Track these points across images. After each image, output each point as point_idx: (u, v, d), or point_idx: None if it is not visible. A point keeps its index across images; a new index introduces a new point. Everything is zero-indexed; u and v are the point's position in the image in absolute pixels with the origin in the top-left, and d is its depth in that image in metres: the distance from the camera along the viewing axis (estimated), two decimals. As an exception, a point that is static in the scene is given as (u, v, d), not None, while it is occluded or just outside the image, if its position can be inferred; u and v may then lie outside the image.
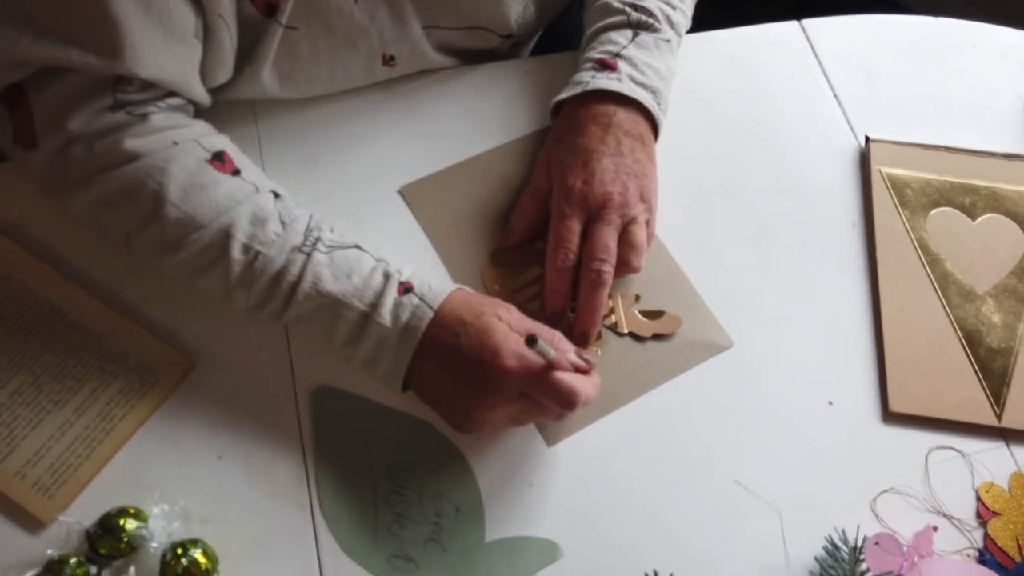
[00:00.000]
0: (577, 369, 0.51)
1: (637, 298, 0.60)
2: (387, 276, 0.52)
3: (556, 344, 0.51)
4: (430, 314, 0.51)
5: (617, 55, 0.61)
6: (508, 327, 0.51)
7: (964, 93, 0.71)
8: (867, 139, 0.67)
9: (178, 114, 0.55)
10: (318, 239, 0.53)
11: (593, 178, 0.57)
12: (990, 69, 0.72)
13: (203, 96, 0.57)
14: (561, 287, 0.56)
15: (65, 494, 0.50)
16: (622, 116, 0.59)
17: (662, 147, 0.62)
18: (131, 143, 0.52)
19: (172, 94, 0.55)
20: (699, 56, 0.70)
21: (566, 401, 0.49)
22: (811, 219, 0.64)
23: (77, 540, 0.49)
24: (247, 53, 0.57)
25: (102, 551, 0.48)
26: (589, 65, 0.62)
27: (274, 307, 0.52)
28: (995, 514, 0.54)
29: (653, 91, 0.61)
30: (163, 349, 0.55)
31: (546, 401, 0.50)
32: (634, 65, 0.61)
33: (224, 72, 0.57)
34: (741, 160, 0.66)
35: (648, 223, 0.59)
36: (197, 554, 0.48)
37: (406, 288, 0.52)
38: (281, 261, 0.51)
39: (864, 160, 0.67)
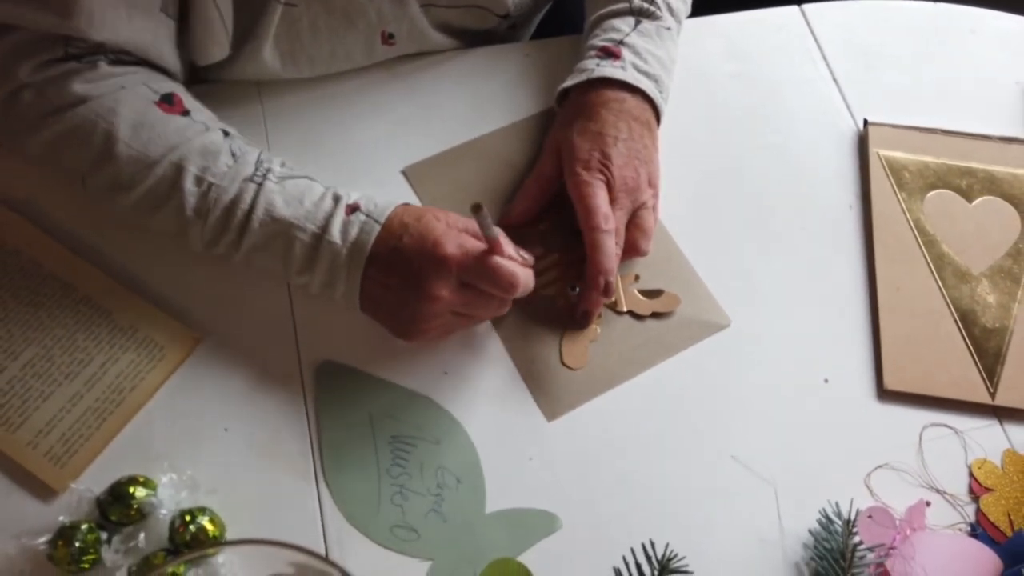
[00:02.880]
0: (521, 258, 0.53)
1: (636, 277, 0.61)
2: (336, 199, 0.54)
3: (501, 241, 0.52)
4: (377, 228, 0.52)
5: (620, 43, 0.62)
6: (447, 225, 0.52)
7: (962, 78, 0.71)
8: (865, 122, 0.68)
9: (127, 64, 0.56)
10: (268, 170, 0.54)
11: (608, 160, 0.57)
12: (988, 54, 0.73)
13: (174, 66, 0.58)
14: (611, 247, 0.55)
15: (76, 463, 0.51)
16: (631, 103, 0.60)
17: (663, 129, 0.63)
18: (80, 87, 0.52)
19: (125, 52, 0.55)
20: (700, 40, 0.71)
21: (506, 284, 0.51)
22: (809, 201, 0.65)
23: (88, 507, 0.50)
24: (247, 31, 0.58)
25: (112, 518, 0.49)
26: (593, 53, 0.62)
27: (229, 238, 0.53)
28: (987, 490, 0.55)
29: (655, 79, 0.61)
30: (171, 324, 0.56)
31: (487, 287, 0.52)
32: (637, 53, 0.62)
33: (219, 50, 0.57)
34: (740, 142, 0.67)
35: (654, 207, 0.60)
36: (205, 521, 0.49)
37: (354, 208, 0.53)
38: (234, 191, 0.52)
39: (862, 143, 0.67)
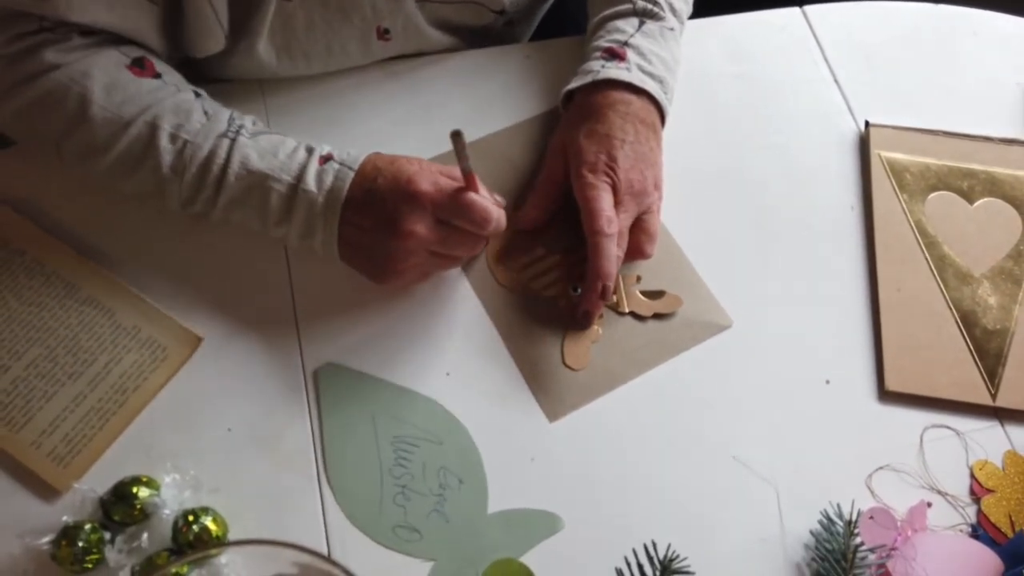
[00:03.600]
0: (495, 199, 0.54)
1: (638, 278, 0.61)
2: (310, 151, 0.55)
3: (472, 188, 0.53)
4: (351, 174, 0.53)
5: (625, 44, 0.62)
6: (420, 166, 0.54)
7: (964, 79, 0.71)
8: (867, 124, 0.68)
9: (99, 34, 0.56)
10: (241, 126, 0.55)
11: (615, 163, 0.57)
12: (990, 56, 0.73)
13: (160, 51, 0.58)
14: (612, 252, 0.56)
15: (80, 463, 0.51)
16: (637, 105, 0.60)
17: (664, 129, 0.63)
18: (51, 55, 0.53)
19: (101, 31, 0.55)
20: (701, 41, 0.71)
21: (480, 219, 0.52)
22: (810, 202, 0.65)
23: (91, 507, 0.50)
24: (242, 25, 0.58)
25: (116, 518, 0.49)
26: (598, 54, 0.62)
27: (206, 194, 0.54)
28: (988, 491, 0.55)
29: (660, 80, 0.62)
30: (174, 324, 0.56)
31: (461, 223, 0.53)
32: (642, 54, 0.62)
33: (214, 42, 0.58)
34: (742, 143, 0.67)
35: (658, 210, 0.60)
36: (208, 521, 0.49)
37: (327, 158, 0.54)
38: (208, 147, 0.53)
39: (864, 144, 0.67)
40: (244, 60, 0.60)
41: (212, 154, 0.53)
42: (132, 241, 0.59)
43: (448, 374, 0.57)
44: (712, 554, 0.52)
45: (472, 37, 0.70)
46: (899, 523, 0.52)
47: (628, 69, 0.60)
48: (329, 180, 0.53)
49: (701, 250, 0.62)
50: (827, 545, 0.51)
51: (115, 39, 0.56)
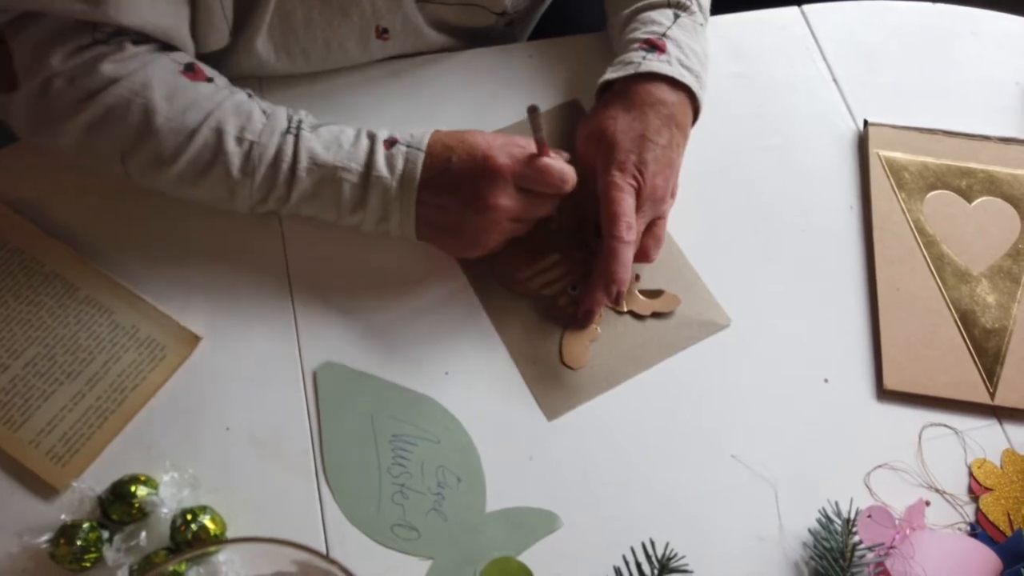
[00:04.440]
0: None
1: (637, 277, 0.61)
2: (372, 137, 0.56)
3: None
4: (421, 155, 0.55)
5: (663, 35, 0.62)
6: (488, 139, 0.55)
7: (963, 79, 0.72)
8: (865, 123, 0.68)
9: (148, 43, 0.56)
10: (300, 121, 0.55)
11: (644, 166, 0.57)
12: (989, 55, 0.73)
13: (191, 50, 0.58)
14: (629, 258, 0.56)
15: (78, 462, 0.51)
16: (677, 107, 0.59)
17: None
18: (109, 68, 0.53)
19: (146, 35, 0.55)
20: (700, 41, 0.71)
21: (558, 181, 0.55)
22: (809, 201, 0.65)
23: (90, 506, 0.50)
24: (242, 20, 0.58)
25: (114, 516, 0.49)
26: (637, 45, 0.61)
27: (278, 193, 0.55)
28: (987, 490, 0.55)
29: (697, 75, 0.61)
30: (172, 323, 0.56)
31: (541, 187, 0.55)
32: (680, 47, 0.61)
33: (217, 38, 0.58)
34: (741, 142, 0.67)
35: (667, 216, 0.61)
36: (206, 520, 0.49)
37: (392, 142, 0.56)
38: (274, 145, 0.54)
39: (862, 143, 0.67)
40: (242, 57, 0.60)
41: (280, 152, 0.54)
42: (131, 241, 0.59)
43: (447, 373, 0.57)
44: (710, 553, 0.52)
45: (471, 38, 0.70)
46: (897, 522, 0.52)
47: (669, 63, 0.60)
48: (400, 164, 0.54)
49: (700, 249, 0.62)
50: (825, 544, 0.51)
51: (163, 47, 0.56)
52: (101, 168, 0.57)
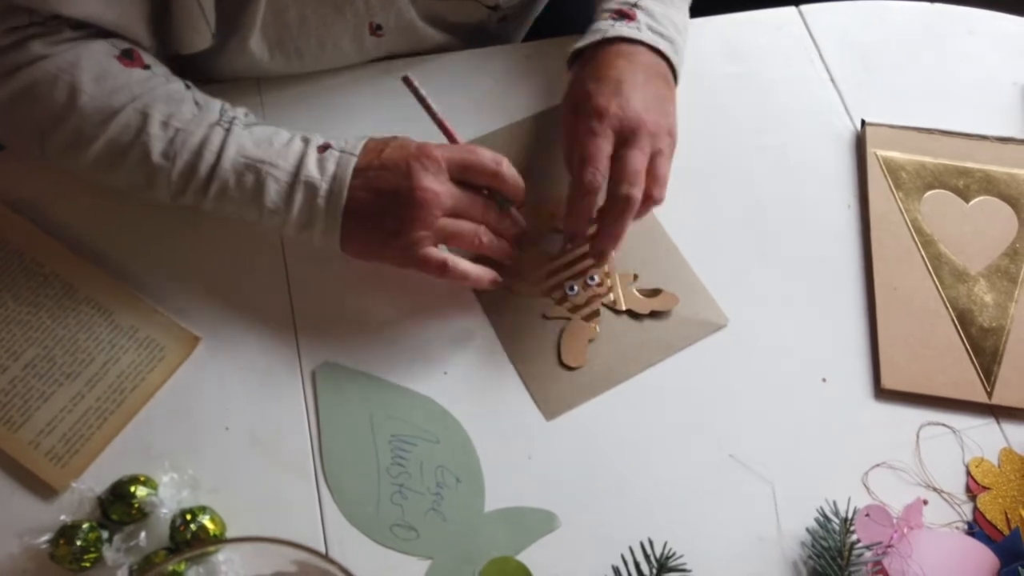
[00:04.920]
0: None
1: (635, 277, 0.61)
2: (306, 140, 0.54)
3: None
4: (353, 160, 0.53)
5: (635, 5, 0.62)
6: (420, 142, 0.54)
7: (960, 78, 0.72)
8: (863, 122, 0.68)
9: (89, 27, 0.55)
10: (234, 118, 0.54)
11: (627, 103, 0.56)
12: (986, 55, 0.73)
13: (148, 45, 0.57)
14: (586, 209, 0.55)
15: (77, 463, 0.52)
16: (647, 56, 0.60)
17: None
18: (39, 46, 0.52)
19: (90, 25, 0.54)
20: (697, 41, 0.71)
21: (493, 161, 0.54)
22: (807, 201, 0.65)
23: (89, 507, 0.50)
24: (234, 20, 0.58)
25: (114, 517, 0.49)
26: (607, 15, 0.62)
27: (198, 183, 0.53)
28: (984, 488, 0.55)
29: (671, 40, 0.61)
30: (171, 324, 0.56)
31: (478, 167, 0.53)
32: (651, 15, 0.62)
33: (201, 39, 0.57)
34: (739, 143, 0.67)
35: (670, 157, 0.58)
36: (205, 520, 0.49)
37: (325, 147, 0.54)
38: (201, 135, 0.52)
39: (860, 143, 0.68)
40: (236, 57, 0.60)
41: (205, 141, 0.52)
42: (130, 242, 0.59)
43: (445, 373, 0.57)
44: (709, 552, 0.52)
45: (466, 35, 0.70)
46: (895, 520, 0.52)
47: (638, 28, 0.60)
48: (331, 167, 0.52)
49: (698, 249, 0.62)
50: (823, 543, 0.51)
51: (104, 32, 0.55)
52: (18, 146, 0.56)
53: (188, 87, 0.55)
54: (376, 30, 0.64)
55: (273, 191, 0.52)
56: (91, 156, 0.53)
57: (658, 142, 0.57)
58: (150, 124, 0.52)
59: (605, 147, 0.55)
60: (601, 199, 0.56)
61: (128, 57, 0.54)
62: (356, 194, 0.52)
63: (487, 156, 0.54)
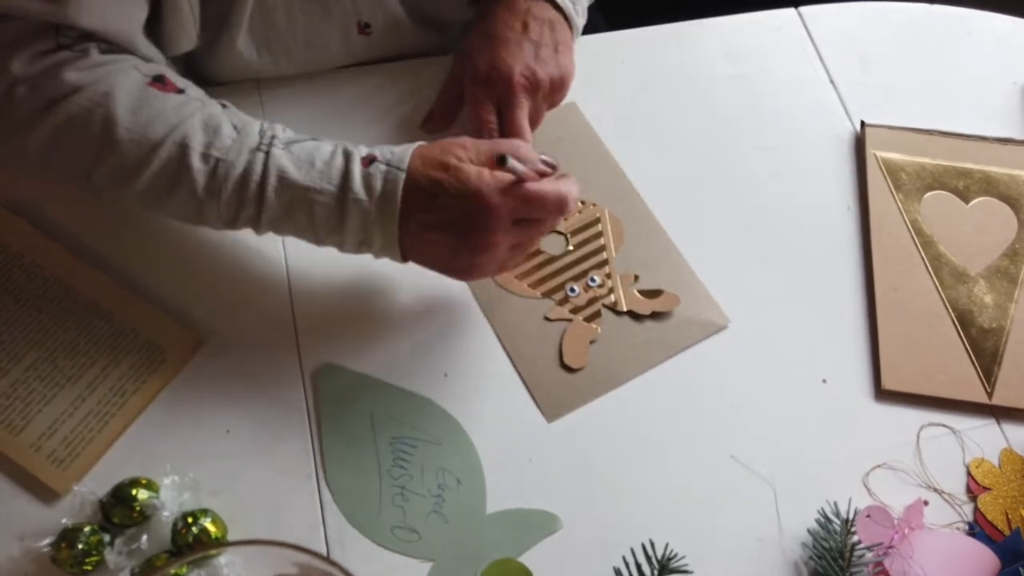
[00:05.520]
0: (550, 168, 0.53)
1: (636, 278, 0.61)
2: (348, 155, 0.52)
3: (520, 154, 0.52)
4: (401, 175, 0.50)
5: None
6: (474, 165, 0.51)
7: (959, 79, 0.72)
8: (862, 124, 0.68)
9: (116, 52, 0.53)
10: (273, 137, 0.52)
11: (499, 61, 0.59)
12: (985, 56, 0.73)
13: (149, 54, 0.56)
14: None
15: (79, 466, 0.52)
16: (532, 4, 0.62)
17: (661, 132, 0.64)
18: (72, 75, 0.51)
19: (111, 41, 0.53)
20: (697, 42, 0.71)
21: (558, 206, 0.51)
22: (807, 202, 0.65)
23: (91, 510, 0.50)
24: (221, 19, 0.58)
25: (115, 520, 0.49)
26: None
27: (248, 213, 0.51)
28: (985, 489, 0.55)
29: None
30: (172, 326, 0.56)
31: (540, 214, 0.52)
32: None
33: (187, 40, 0.57)
34: (738, 144, 0.67)
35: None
36: (207, 523, 0.49)
37: (370, 159, 0.51)
38: (242, 163, 0.50)
39: (859, 144, 0.68)
40: (224, 57, 0.60)
41: (247, 171, 0.50)
42: (131, 244, 0.59)
43: (446, 375, 0.57)
44: (710, 553, 0.52)
45: (455, 33, 0.70)
46: (896, 521, 0.52)
47: None
48: (379, 184, 0.50)
49: (698, 249, 0.62)
50: (824, 544, 0.51)
51: (129, 53, 0.54)
52: (69, 183, 0.54)
53: (225, 107, 0.54)
54: (364, 28, 0.63)
55: (323, 215, 0.51)
56: (137, 190, 0.52)
57: (538, 94, 0.61)
58: (190, 157, 0.50)
59: (489, 110, 0.61)
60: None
61: (160, 82, 0.53)
62: (413, 240, 0.52)
63: (551, 202, 0.51)
